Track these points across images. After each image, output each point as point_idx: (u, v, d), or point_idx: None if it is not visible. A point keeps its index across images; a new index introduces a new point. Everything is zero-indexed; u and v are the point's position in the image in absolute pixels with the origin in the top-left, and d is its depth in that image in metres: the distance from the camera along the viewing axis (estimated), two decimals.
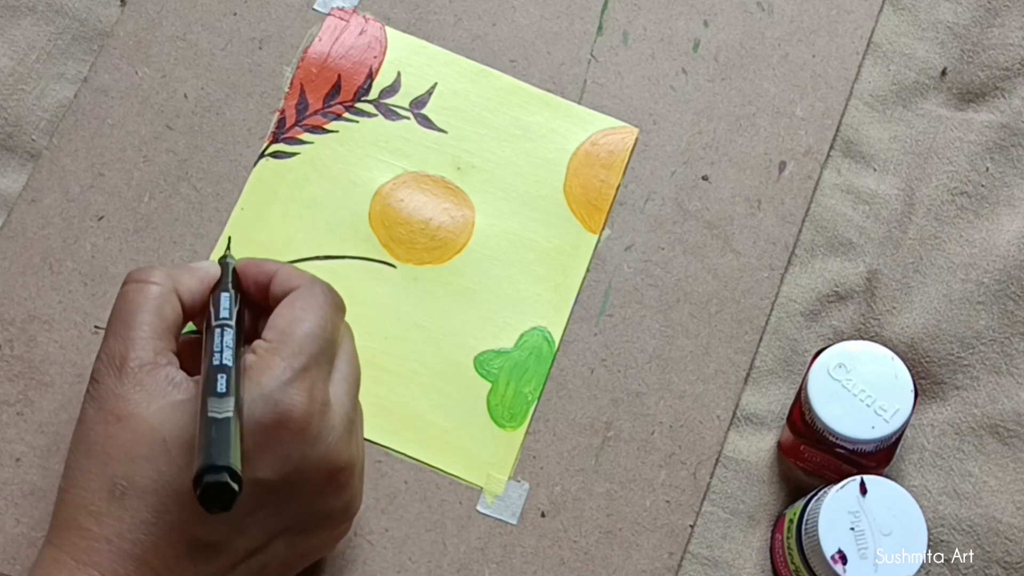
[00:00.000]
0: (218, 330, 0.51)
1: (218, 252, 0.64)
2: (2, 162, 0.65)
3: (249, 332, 0.54)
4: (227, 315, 0.52)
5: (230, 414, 0.47)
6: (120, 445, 0.49)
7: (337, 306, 0.54)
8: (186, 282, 0.54)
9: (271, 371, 0.50)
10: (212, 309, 0.53)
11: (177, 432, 0.49)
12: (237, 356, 0.50)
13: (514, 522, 0.61)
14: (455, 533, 0.61)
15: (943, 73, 0.69)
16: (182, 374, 0.51)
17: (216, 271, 0.55)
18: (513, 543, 0.61)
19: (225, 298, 0.53)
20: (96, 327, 0.62)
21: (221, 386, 0.48)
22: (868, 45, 0.69)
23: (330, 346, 0.52)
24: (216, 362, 0.49)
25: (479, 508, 0.61)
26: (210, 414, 0.47)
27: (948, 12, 0.70)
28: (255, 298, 0.55)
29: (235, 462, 0.46)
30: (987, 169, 0.67)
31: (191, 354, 0.53)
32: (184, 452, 0.49)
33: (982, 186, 0.67)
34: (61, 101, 0.66)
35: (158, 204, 0.65)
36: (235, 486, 0.45)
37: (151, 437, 0.49)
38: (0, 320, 0.62)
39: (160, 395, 0.50)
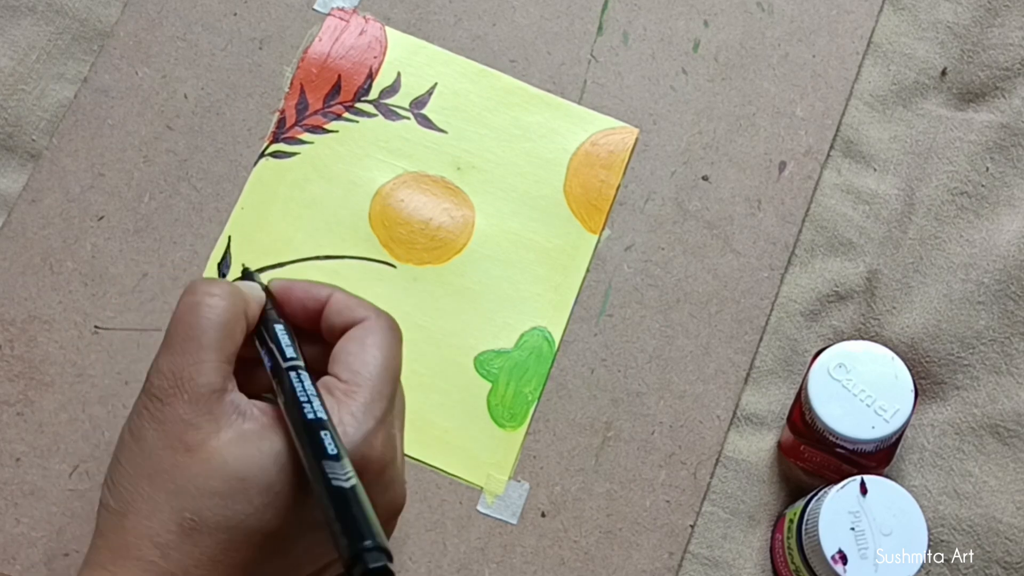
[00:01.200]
0: (293, 374, 0.48)
1: (218, 252, 0.64)
2: (2, 162, 0.65)
3: None
4: (293, 354, 0.49)
5: (355, 480, 0.44)
6: (191, 478, 0.47)
7: (401, 341, 0.51)
8: (253, 308, 0.51)
9: (354, 418, 0.48)
10: (272, 344, 0.49)
11: (256, 471, 0.47)
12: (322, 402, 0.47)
13: (514, 522, 0.61)
14: (455, 533, 0.61)
15: (943, 73, 0.69)
16: (244, 399, 0.49)
17: (261, 295, 0.52)
18: (513, 543, 0.61)
19: (282, 333, 0.50)
20: (96, 327, 0.62)
21: (331, 447, 0.45)
22: (868, 45, 0.69)
23: (398, 386, 0.50)
24: (310, 416, 0.46)
25: (479, 508, 0.61)
26: (335, 483, 0.44)
27: (948, 12, 0.70)
28: (300, 322, 0.52)
29: (382, 540, 0.43)
30: (987, 169, 0.67)
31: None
32: (263, 493, 0.47)
33: (982, 186, 0.67)
34: (61, 101, 0.66)
35: (158, 204, 0.65)
36: (392, 567, 0.42)
37: (225, 473, 0.47)
38: (0, 320, 0.62)
39: (228, 424, 0.47)
